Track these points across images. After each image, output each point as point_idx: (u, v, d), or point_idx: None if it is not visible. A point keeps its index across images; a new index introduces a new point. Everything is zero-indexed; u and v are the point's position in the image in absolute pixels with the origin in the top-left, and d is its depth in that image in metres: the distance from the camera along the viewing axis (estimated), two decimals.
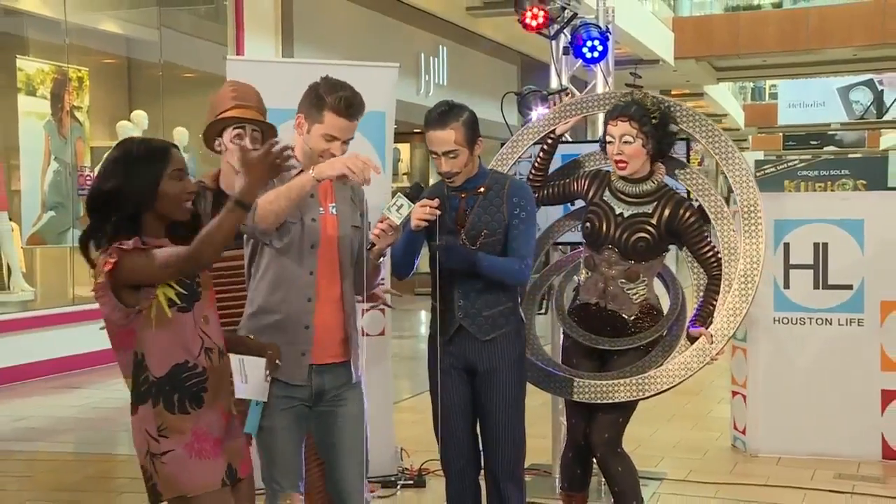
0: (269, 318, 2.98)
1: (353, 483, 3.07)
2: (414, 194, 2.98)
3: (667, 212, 3.71)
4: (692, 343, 3.80)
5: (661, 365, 3.84)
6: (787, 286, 5.62)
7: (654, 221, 3.71)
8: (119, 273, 2.51)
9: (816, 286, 5.59)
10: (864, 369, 5.51)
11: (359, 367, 3.10)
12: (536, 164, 4.00)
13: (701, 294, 3.84)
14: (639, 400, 3.83)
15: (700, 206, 3.90)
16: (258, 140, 3.55)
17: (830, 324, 5.58)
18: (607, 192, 3.79)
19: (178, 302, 2.59)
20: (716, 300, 3.77)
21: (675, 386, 3.82)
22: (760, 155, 27.52)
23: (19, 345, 8.34)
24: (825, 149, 33.27)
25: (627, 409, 3.83)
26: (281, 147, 2.56)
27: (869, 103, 32.54)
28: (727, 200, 4.18)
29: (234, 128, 3.51)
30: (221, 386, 2.69)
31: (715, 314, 3.80)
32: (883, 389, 5.50)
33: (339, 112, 2.93)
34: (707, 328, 3.77)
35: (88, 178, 9.83)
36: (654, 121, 3.69)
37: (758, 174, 21.34)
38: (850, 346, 5.53)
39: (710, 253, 3.77)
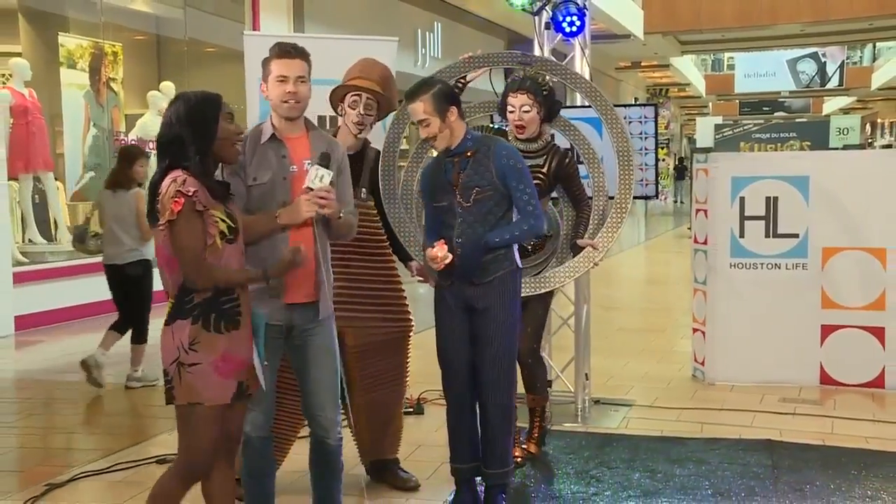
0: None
1: (325, 407, 3.07)
2: (324, 163, 2.94)
3: (555, 162, 4.09)
4: (576, 254, 4.15)
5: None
6: (741, 235, 5.63)
7: (545, 171, 4.08)
8: (175, 223, 2.58)
9: (767, 235, 5.60)
10: (806, 308, 5.54)
11: (327, 307, 3.07)
12: None
13: (573, 223, 4.24)
14: (546, 315, 4.27)
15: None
16: (372, 108, 3.66)
17: (779, 268, 5.60)
18: None
19: (228, 234, 2.66)
20: (586, 226, 4.19)
21: (565, 283, 4.20)
22: (719, 119, 27.36)
23: (66, 289, 8.36)
24: (776, 114, 33.22)
25: (542, 322, 4.22)
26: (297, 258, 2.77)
27: (814, 73, 32.38)
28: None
29: (352, 94, 3.63)
30: (249, 309, 2.73)
31: (601, 232, 4.20)
32: (822, 325, 5.54)
33: (277, 55, 3.03)
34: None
35: (123, 141, 9.77)
36: (545, 92, 4.04)
37: (717, 136, 21.33)
38: (795, 288, 5.55)
39: (582, 193, 4.20)
